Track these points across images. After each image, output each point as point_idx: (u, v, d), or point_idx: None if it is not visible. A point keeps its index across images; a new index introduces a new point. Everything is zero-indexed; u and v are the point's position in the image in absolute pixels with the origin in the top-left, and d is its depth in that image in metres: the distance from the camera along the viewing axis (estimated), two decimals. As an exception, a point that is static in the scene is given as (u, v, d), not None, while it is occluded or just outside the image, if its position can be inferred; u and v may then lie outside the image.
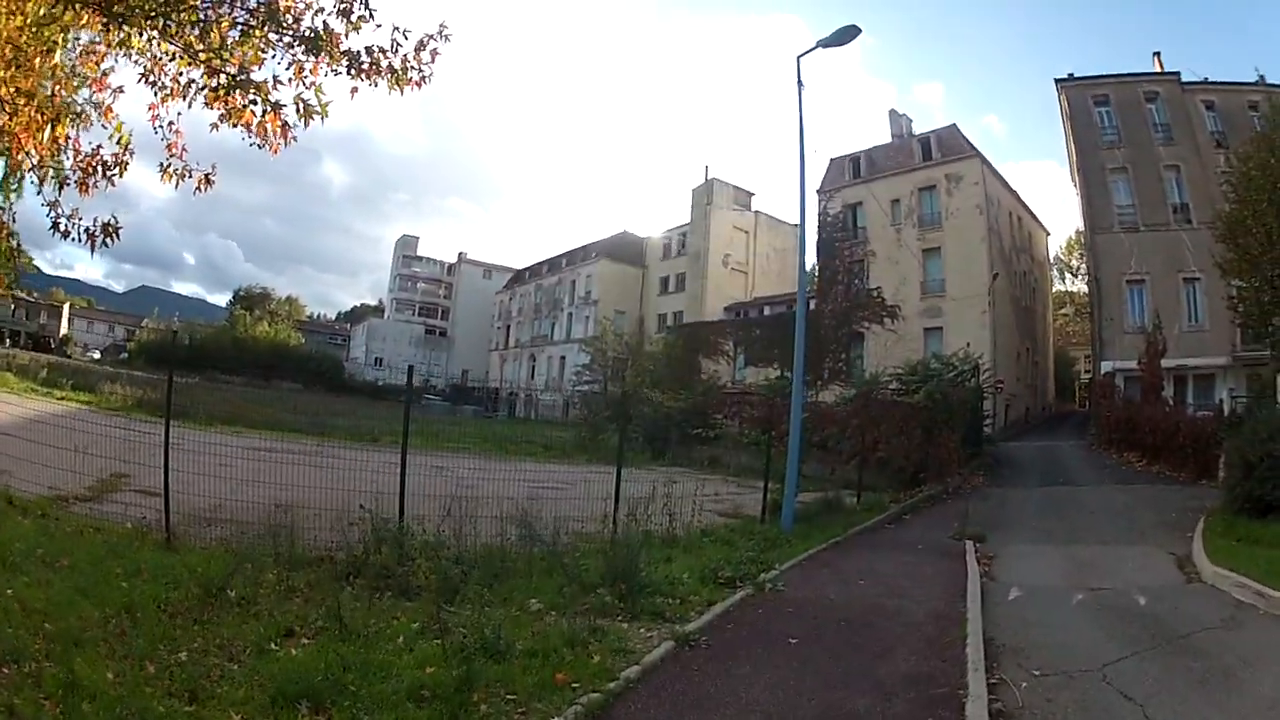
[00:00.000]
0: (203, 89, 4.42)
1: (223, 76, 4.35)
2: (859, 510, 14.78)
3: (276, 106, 4.42)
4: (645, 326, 59.26)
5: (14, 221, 4.89)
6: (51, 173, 4.57)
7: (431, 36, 5.18)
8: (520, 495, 8.99)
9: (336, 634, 5.22)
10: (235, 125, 4.40)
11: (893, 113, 44.86)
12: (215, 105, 4.39)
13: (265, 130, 4.40)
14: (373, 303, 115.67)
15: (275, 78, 4.45)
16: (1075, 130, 35.45)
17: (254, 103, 4.38)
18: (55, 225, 4.40)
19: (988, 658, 5.76)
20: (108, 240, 4.40)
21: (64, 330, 78.17)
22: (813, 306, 38.60)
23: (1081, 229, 39.04)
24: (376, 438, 16.66)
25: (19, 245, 4.96)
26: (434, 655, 4.98)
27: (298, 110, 4.43)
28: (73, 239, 4.33)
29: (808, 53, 13.39)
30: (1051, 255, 54.99)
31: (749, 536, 11.01)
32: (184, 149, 4.80)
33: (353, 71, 4.93)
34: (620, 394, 26.32)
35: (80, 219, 4.44)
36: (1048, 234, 51.55)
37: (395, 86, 5.10)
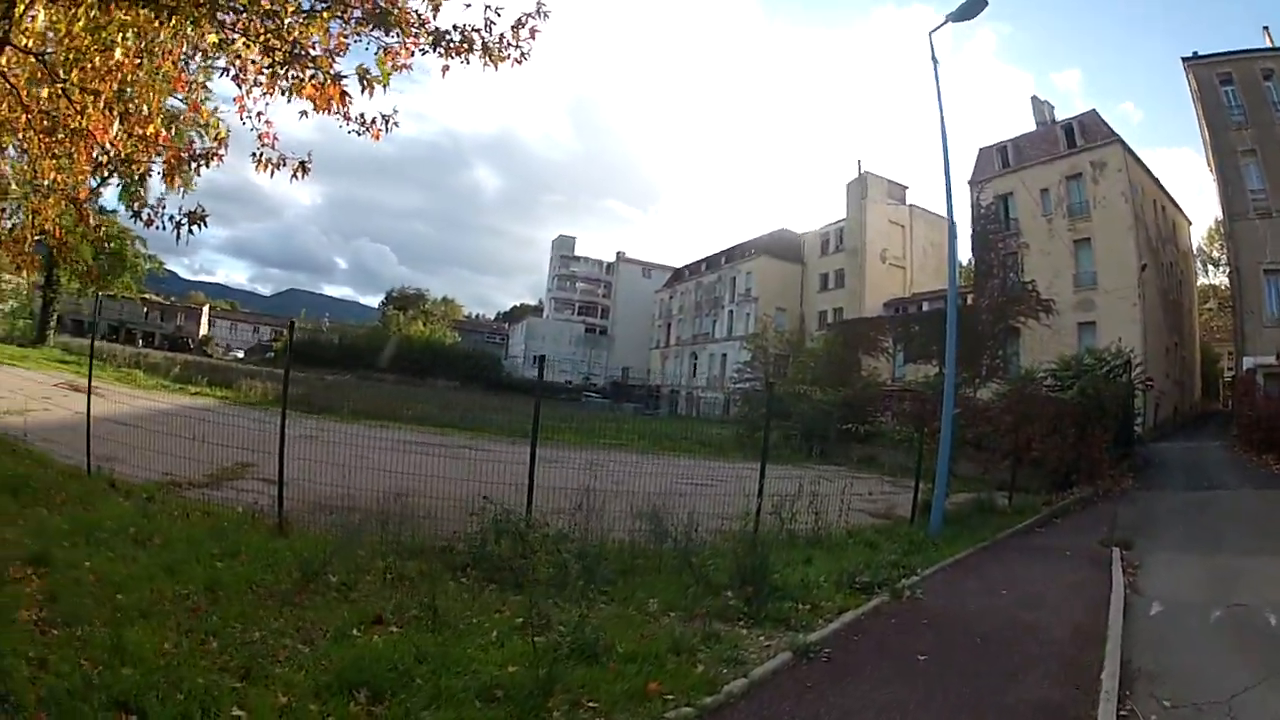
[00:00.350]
0: (262, 69, 4.44)
1: (278, 54, 4.32)
2: (1010, 512, 14.06)
3: (337, 78, 4.38)
4: (805, 324, 58.39)
5: (107, 212, 5.13)
6: (133, 164, 4.76)
7: (530, 15, 5.06)
8: (663, 490, 8.75)
9: (428, 624, 5.09)
10: (296, 95, 4.37)
11: (1035, 99, 42.03)
12: (279, 84, 4.39)
13: (330, 103, 4.36)
14: (531, 303, 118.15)
15: (331, 51, 4.39)
16: (1205, 111, 32.87)
17: (314, 76, 4.35)
18: (137, 214, 4.58)
19: (1121, 684, 5.35)
20: (193, 228, 4.51)
21: (203, 331, 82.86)
22: (969, 301, 37.67)
23: (1220, 217, 35.48)
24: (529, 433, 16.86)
25: (114, 236, 5.22)
26: (523, 653, 4.71)
27: (360, 81, 4.37)
28: (157, 226, 4.48)
29: (939, 28, 13.71)
30: (1194, 247, 50.09)
31: (894, 539, 10.44)
32: (275, 138, 4.88)
33: (440, 50, 4.83)
34: (769, 387, 25.66)
35: (164, 207, 4.61)
36: (1189, 223, 47.33)
37: (490, 64, 4.99)
